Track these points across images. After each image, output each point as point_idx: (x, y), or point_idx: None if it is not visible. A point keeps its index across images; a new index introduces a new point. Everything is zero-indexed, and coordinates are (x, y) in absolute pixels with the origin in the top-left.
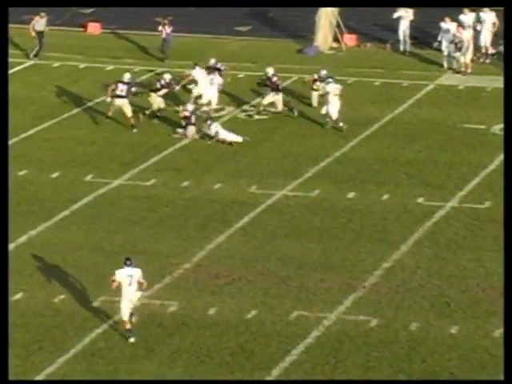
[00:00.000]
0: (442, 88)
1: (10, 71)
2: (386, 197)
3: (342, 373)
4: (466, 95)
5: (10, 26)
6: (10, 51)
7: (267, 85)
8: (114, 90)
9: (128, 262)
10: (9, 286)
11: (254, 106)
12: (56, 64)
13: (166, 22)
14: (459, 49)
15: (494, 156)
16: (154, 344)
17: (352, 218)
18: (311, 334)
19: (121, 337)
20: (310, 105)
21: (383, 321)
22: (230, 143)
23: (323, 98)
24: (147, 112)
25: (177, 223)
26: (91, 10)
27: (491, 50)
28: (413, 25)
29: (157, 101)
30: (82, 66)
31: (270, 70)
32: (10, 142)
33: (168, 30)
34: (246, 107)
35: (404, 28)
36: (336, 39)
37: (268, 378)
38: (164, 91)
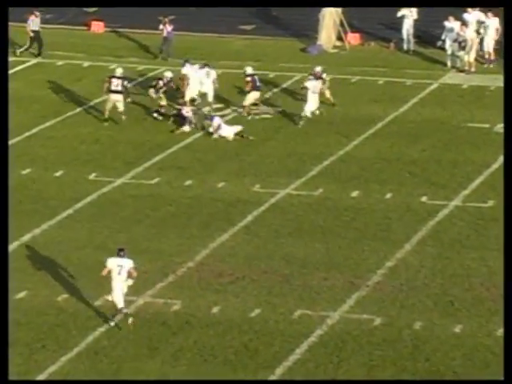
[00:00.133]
0: (445, 87)
1: (14, 70)
2: (389, 196)
3: (346, 372)
4: (469, 94)
5: (13, 24)
6: (14, 50)
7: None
8: (108, 85)
9: (121, 253)
10: (10, 286)
11: (256, 104)
12: (59, 62)
13: (166, 20)
14: (463, 48)
15: (497, 155)
16: (157, 343)
17: (355, 217)
18: (314, 333)
19: (124, 335)
20: None
21: (387, 320)
22: (242, 135)
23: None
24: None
25: (180, 222)
26: (94, 8)
27: (494, 57)
28: (416, 24)
29: (159, 98)
30: (85, 64)
31: (249, 69)
32: (14, 141)
33: (169, 28)
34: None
35: (408, 27)
36: (340, 38)
37: (271, 377)
38: (164, 89)
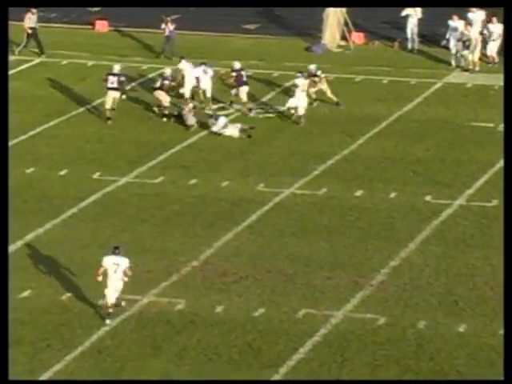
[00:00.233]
0: (449, 86)
1: (18, 69)
2: (393, 195)
3: (350, 371)
4: (473, 93)
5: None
6: (12, 49)
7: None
8: (105, 82)
9: (117, 251)
10: (14, 285)
11: (264, 104)
12: (64, 62)
13: (168, 19)
14: (467, 47)
15: (501, 154)
16: (161, 342)
17: (360, 216)
18: (318, 332)
19: (128, 334)
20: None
21: (391, 319)
22: (249, 135)
23: (318, 94)
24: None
25: (184, 221)
26: (98, 8)
27: (497, 60)
28: (421, 23)
29: (164, 98)
30: (89, 63)
31: (236, 64)
32: (18, 140)
33: (171, 27)
34: (251, 105)
35: (412, 26)
36: (344, 37)
37: (275, 376)
38: (167, 85)
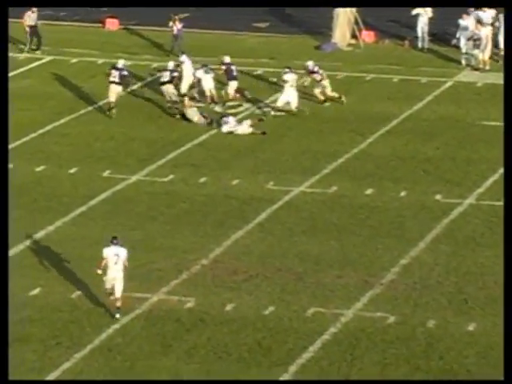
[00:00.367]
0: (460, 85)
1: (29, 66)
2: (403, 193)
3: (359, 370)
4: (484, 92)
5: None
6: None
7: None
8: (108, 76)
9: (115, 241)
10: (24, 283)
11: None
12: (74, 60)
13: (176, 18)
14: (477, 46)
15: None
16: (171, 340)
17: (370, 215)
18: (328, 331)
19: (138, 332)
20: (324, 101)
21: (400, 318)
22: (264, 132)
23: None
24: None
25: (194, 219)
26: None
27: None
28: (431, 22)
29: (174, 91)
30: (99, 61)
31: (226, 58)
32: (28, 138)
33: (179, 26)
34: (261, 104)
35: (422, 25)
36: (354, 36)
37: (285, 375)
38: (174, 76)
